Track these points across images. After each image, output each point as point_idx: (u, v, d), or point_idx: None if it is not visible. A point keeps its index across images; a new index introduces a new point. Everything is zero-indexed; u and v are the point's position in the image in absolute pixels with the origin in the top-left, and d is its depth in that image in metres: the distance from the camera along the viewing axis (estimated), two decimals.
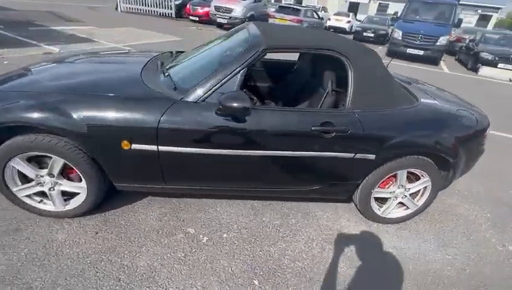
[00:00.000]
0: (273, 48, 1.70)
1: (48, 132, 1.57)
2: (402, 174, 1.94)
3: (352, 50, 1.78)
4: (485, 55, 9.10)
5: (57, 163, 1.65)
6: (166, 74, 1.87)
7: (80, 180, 1.73)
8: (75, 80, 1.79)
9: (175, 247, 1.75)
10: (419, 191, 2.07)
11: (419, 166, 1.90)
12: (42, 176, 1.70)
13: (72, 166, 1.66)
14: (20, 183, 1.73)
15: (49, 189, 1.74)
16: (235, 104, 1.49)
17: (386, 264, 1.83)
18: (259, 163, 1.76)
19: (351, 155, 1.77)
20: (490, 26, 25.13)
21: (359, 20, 18.79)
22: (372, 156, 1.79)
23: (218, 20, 11.80)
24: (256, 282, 1.61)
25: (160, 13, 13.24)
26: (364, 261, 1.82)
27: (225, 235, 1.89)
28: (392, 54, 9.91)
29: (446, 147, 1.85)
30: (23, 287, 1.42)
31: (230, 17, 11.60)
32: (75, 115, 1.53)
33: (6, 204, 1.82)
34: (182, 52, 2.55)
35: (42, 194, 1.79)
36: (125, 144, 1.60)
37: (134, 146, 1.61)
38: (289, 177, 1.88)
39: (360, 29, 14.22)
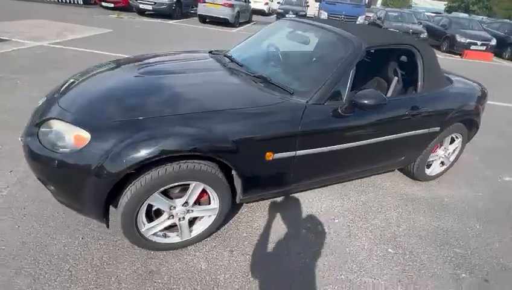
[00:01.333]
0: (372, 46, 1.89)
1: (190, 157, 1.43)
2: (448, 139, 2.45)
3: (419, 43, 2.12)
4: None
5: (197, 189, 1.53)
6: (269, 78, 1.84)
7: (209, 203, 1.64)
8: (189, 96, 1.67)
9: (313, 241, 1.87)
10: (454, 149, 2.63)
11: (459, 130, 2.43)
12: (175, 207, 1.54)
13: (209, 189, 1.56)
14: (146, 222, 1.53)
15: (179, 219, 1.59)
16: (367, 102, 1.65)
17: (449, 205, 2.34)
18: (364, 150, 1.97)
19: (426, 130, 2.16)
20: (378, 3, 29.63)
21: (278, 2, 19.63)
22: (437, 128, 2.22)
23: (141, 6, 10.79)
24: (390, 250, 1.88)
25: (64, 0, 11.16)
26: (435, 206, 2.29)
27: (336, 220, 2.07)
28: None
29: (476, 111, 2.43)
30: None
31: (155, 3, 10.73)
32: (221, 134, 1.44)
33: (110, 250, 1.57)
34: (220, 50, 2.52)
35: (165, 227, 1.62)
36: (268, 155, 1.59)
37: (276, 155, 1.61)
38: (378, 158, 2.16)
39: (282, 11, 14.94)
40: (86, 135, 1.34)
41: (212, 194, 1.59)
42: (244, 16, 12.64)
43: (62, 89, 1.76)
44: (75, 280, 1.45)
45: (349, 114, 1.75)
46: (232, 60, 2.20)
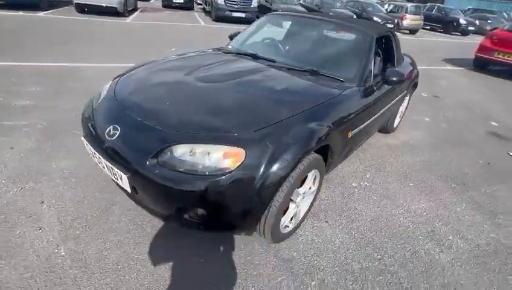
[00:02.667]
0: (377, 36, 2.38)
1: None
2: (406, 98, 3.33)
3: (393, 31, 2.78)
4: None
5: (313, 176, 1.73)
6: (318, 71, 2.10)
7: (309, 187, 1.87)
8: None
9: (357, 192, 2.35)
10: (406, 105, 3.56)
11: (410, 90, 3.33)
12: (297, 197, 1.70)
13: (316, 174, 1.78)
14: (282, 216, 1.64)
15: (296, 207, 1.76)
16: (395, 78, 2.16)
17: (416, 144, 3.26)
18: (380, 116, 2.51)
19: (403, 94, 2.91)
20: None
21: None
22: (405, 92, 3.00)
23: None
24: (411, 184, 2.57)
25: None
26: (409, 147, 3.16)
27: (368, 175, 2.62)
28: (220, 19, 11.17)
29: (417, 75, 3.37)
30: None
31: None
32: (325, 124, 1.67)
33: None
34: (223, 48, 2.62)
35: None
36: (349, 134, 1.92)
37: (353, 132, 1.96)
38: (383, 121, 2.79)
39: None
40: (238, 151, 1.34)
41: (317, 177, 1.82)
42: (131, 3, 11.39)
43: (126, 112, 1.58)
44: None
45: (380, 89, 2.24)
46: (259, 57, 2.31)
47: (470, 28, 16.55)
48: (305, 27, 2.67)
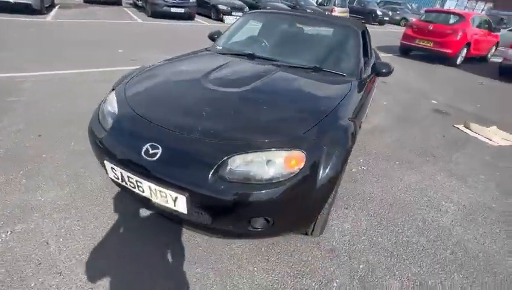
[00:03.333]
0: (362, 32, 2.57)
1: None
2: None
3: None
4: (221, 6, 11.92)
5: None
6: (321, 68, 2.20)
7: None
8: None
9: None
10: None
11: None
12: None
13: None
14: None
15: None
16: (385, 70, 2.39)
17: (390, 126, 3.66)
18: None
19: (376, 82, 3.22)
20: None
21: None
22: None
23: None
24: (397, 162, 2.89)
25: None
26: (383, 130, 3.54)
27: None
28: (156, 14, 10.50)
29: None
30: None
31: None
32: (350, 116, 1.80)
33: None
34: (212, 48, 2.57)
35: None
36: (360, 124, 2.08)
37: (360, 123, 2.13)
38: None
39: None
40: (298, 154, 1.35)
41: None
42: None
43: (164, 124, 1.47)
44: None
45: (370, 80, 2.46)
46: (258, 56, 2.30)
47: (386, 18, 18.80)
48: (293, 24, 2.73)
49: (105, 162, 1.45)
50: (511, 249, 1.95)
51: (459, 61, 7.97)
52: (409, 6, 23.53)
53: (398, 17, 20.32)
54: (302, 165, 1.33)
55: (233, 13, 12.05)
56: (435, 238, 1.98)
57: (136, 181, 1.36)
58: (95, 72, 4.37)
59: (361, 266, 1.70)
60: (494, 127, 3.91)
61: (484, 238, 2.03)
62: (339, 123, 1.59)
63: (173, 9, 10.72)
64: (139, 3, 12.43)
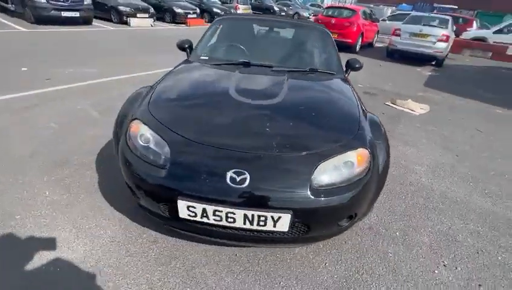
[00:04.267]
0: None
1: None
2: None
3: None
4: (122, 8, 10.84)
5: None
6: (317, 69, 2.39)
7: None
8: None
9: None
10: None
11: None
12: None
13: None
14: None
15: None
16: (358, 65, 2.73)
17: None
18: None
19: None
20: None
21: None
22: None
23: None
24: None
25: None
26: None
27: None
28: (42, 20, 8.78)
29: None
30: None
31: None
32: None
33: None
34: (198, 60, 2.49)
35: None
36: None
37: None
38: None
39: None
40: (365, 151, 1.51)
41: None
42: None
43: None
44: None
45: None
46: (252, 64, 2.31)
47: (283, 14, 20.48)
48: (270, 29, 2.81)
49: (179, 201, 1.29)
50: (468, 191, 2.61)
51: (357, 48, 9.49)
52: (297, 1, 26.20)
53: (291, 12, 22.43)
54: (369, 160, 1.50)
55: (138, 15, 11.11)
56: (426, 195, 2.47)
57: (227, 213, 1.28)
58: (10, 101, 3.48)
59: (397, 233, 2.01)
60: (409, 100, 4.92)
61: (472, 193, 2.61)
62: (370, 117, 1.82)
63: (65, 14, 9.13)
64: (12, 7, 10.03)
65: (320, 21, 9.49)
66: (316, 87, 2.15)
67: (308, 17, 22.52)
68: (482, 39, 11.19)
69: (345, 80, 2.41)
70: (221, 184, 1.28)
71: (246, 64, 2.31)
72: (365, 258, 1.78)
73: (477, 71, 8.79)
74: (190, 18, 12.84)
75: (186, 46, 2.73)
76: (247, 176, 1.29)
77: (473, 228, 2.14)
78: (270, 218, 1.28)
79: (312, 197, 1.30)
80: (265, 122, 1.58)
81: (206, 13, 14.54)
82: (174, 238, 1.77)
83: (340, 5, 9.95)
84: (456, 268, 1.78)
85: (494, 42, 10.80)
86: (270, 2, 20.80)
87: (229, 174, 1.29)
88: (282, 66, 2.36)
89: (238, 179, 1.28)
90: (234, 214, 1.28)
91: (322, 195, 1.31)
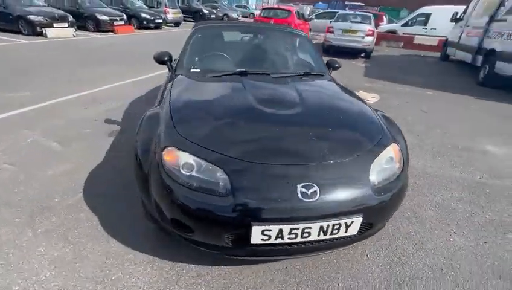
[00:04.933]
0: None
1: None
2: None
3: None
4: (33, 17, 9.37)
5: None
6: (310, 72, 2.46)
7: None
8: None
9: None
10: None
11: None
12: None
13: None
14: None
15: None
16: (337, 65, 2.89)
17: None
18: None
19: None
20: None
21: None
22: None
23: None
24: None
25: None
26: None
27: None
28: None
29: None
30: None
31: None
32: None
33: None
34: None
35: None
36: None
37: None
38: None
39: None
40: (396, 146, 1.65)
41: None
42: None
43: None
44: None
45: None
46: (249, 73, 2.27)
47: (212, 16, 20.34)
48: (254, 35, 2.78)
49: (253, 227, 1.21)
50: (441, 165, 3.04)
51: None
52: (223, 3, 26.34)
53: (220, 14, 22.44)
54: (401, 152, 1.64)
55: (55, 25, 9.76)
56: (413, 174, 2.78)
57: (303, 229, 1.25)
58: None
59: (408, 213, 2.23)
60: (361, 91, 5.44)
61: (425, 162, 3.02)
62: (381, 114, 1.97)
63: None
64: None
65: (259, 22, 9.76)
66: (323, 90, 2.23)
67: (238, 18, 22.89)
68: (394, 32, 13.00)
69: (334, 80, 2.55)
70: (294, 201, 1.24)
71: (243, 74, 2.26)
72: (396, 242, 1.93)
73: (398, 59, 10.18)
74: (117, 25, 11.79)
75: (166, 58, 2.53)
76: (316, 188, 1.28)
77: (458, 195, 2.51)
78: (344, 225, 1.30)
79: (375, 196, 1.36)
80: (306, 131, 1.58)
81: (133, 19, 13.55)
82: (217, 267, 1.64)
83: (275, 6, 10.40)
84: (463, 233, 2.07)
85: (403, 34, 12.63)
86: (198, 5, 20.46)
87: (299, 189, 1.26)
88: (278, 72, 2.37)
89: (308, 192, 1.26)
90: (310, 228, 1.26)
91: (382, 192, 1.39)
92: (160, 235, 1.75)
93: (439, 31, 11.58)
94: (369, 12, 10.70)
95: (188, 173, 1.32)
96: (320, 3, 32.40)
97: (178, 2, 19.73)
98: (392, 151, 1.58)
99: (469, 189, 2.61)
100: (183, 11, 19.37)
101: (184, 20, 19.59)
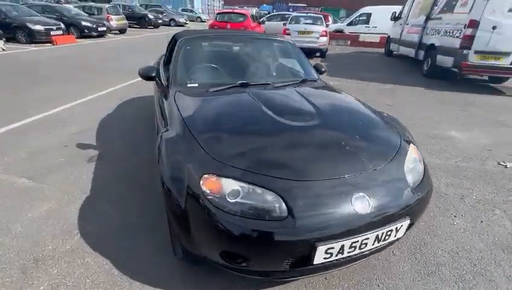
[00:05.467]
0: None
1: None
2: None
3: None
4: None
5: None
6: (305, 79, 2.48)
7: None
8: None
9: None
10: None
11: None
12: None
13: None
14: None
15: None
16: (323, 69, 2.97)
17: None
18: None
19: None
20: None
21: None
22: None
23: None
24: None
25: None
26: None
27: None
28: None
29: None
30: None
31: None
32: None
33: None
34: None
35: None
36: None
37: None
38: None
39: None
40: (414, 146, 1.74)
41: None
42: None
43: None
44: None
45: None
46: (251, 84, 2.22)
47: (159, 21, 19.51)
48: (246, 45, 2.70)
49: (318, 248, 1.17)
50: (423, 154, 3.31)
51: None
52: (168, 8, 25.47)
53: (167, 19, 21.65)
54: (419, 152, 1.74)
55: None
56: None
57: (362, 241, 1.25)
58: None
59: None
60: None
61: None
62: (387, 114, 2.07)
63: None
64: None
65: (216, 27, 9.63)
66: (330, 97, 2.27)
67: (186, 23, 22.32)
68: (341, 31, 13.90)
69: (328, 85, 2.63)
70: (352, 215, 1.23)
71: (244, 85, 2.20)
72: (411, 233, 2.05)
73: (349, 56, 10.90)
74: (55, 35, 10.62)
75: (153, 74, 2.35)
76: (367, 197, 1.29)
77: (446, 181, 2.76)
78: (395, 229, 1.33)
79: (415, 197, 1.42)
80: (336, 141, 1.58)
81: (73, 27, 12.34)
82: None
83: (230, 10, 10.37)
84: (462, 215, 2.28)
85: (349, 32, 13.57)
86: (142, 10, 19.44)
87: (353, 201, 1.26)
88: (277, 80, 2.36)
89: (362, 204, 1.27)
90: (368, 239, 1.27)
91: (419, 192, 1.45)
92: (187, 267, 1.63)
93: (379, 29, 12.71)
94: (318, 14, 11.26)
95: (234, 200, 1.23)
96: (264, 5, 33.25)
97: (120, 8, 18.54)
98: (413, 152, 1.67)
99: (452, 173, 2.89)
100: (127, 17, 18.18)
101: (129, 26, 18.51)
